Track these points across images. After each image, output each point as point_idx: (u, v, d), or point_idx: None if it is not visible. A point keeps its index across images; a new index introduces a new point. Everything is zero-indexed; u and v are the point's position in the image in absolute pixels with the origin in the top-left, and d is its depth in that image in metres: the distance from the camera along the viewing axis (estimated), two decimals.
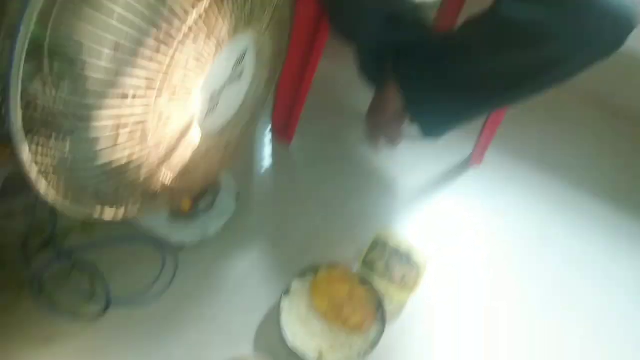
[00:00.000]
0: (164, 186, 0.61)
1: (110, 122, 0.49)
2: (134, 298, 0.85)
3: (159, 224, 0.90)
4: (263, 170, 1.10)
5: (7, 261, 0.85)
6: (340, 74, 1.28)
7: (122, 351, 0.79)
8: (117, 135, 0.50)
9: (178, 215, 0.91)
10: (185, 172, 0.63)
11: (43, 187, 0.52)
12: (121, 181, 0.55)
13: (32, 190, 0.55)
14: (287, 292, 0.86)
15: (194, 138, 0.61)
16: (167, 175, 0.60)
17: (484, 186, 1.14)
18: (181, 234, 0.90)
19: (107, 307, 0.83)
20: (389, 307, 0.90)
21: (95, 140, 0.49)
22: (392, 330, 0.88)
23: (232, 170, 1.01)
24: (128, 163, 0.53)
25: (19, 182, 0.76)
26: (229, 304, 0.87)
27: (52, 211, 0.92)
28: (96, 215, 0.59)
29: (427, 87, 0.93)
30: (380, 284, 0.89)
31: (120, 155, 0.51)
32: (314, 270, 0.88)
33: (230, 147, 0.74)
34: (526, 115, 1.31)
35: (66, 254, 0.87)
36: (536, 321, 0.93)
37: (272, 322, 0.84)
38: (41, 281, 0.84)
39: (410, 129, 1.13)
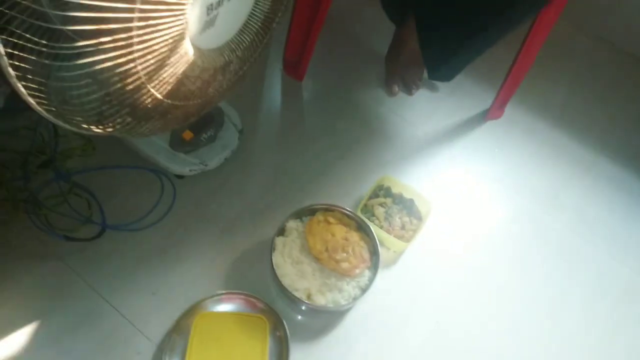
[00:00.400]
0: (155, 103, 0.58)
1: (88, 23, 0.45)
2: (129, 224, 0.84)
3: (160, 153, 0.88)
4: (270, 107, 1.06)
5: (6, 179, 0.85)
6: (358, 11, 1.22)
7: (114, 273, 0.80)
8: (98, 37, 0.46)
9: (179, 145, 0.89)
10: (178, 91, 0.60)
11: (23, 91, 0.50)
12: (105, 89, 0.52)
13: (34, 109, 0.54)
14: (281, 231, 0.84)
15: (187, 53, 0.57)
16: (157, 92, 0.57)
17: (499, 140, 1.08)
18: (181, 164, 0.88)
19: (102, 232, 0.83)
20: (385, 254, 0.88)
21: (74, 40, 0.46)
22: (386, 278, 0.86)
23: (238, 105, 0.97)
24: (112, 68, 0.50)
25: (23, 101, 0.74)
26: (222, 239, 0.86)
27: (55, 133, 0.91)
28: (84, 128, 0.57)
29: (441, 17, 0.89)
30: (378, 231, 0.86)
31: (103, 57, 0.48)
32: (311, 211, 0.86)
33: (232, 73, 0.70)
34: (555, 72, 1.24)
35: (65, 176, 0.87)
36: (537, 282, 0.90)
37: (264, 260, 0.83)
38: (38, 201, 0.84)
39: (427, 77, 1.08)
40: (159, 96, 0.58)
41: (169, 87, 0.59)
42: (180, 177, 0.90)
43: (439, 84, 1.15)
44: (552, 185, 1.03)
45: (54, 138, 0.90)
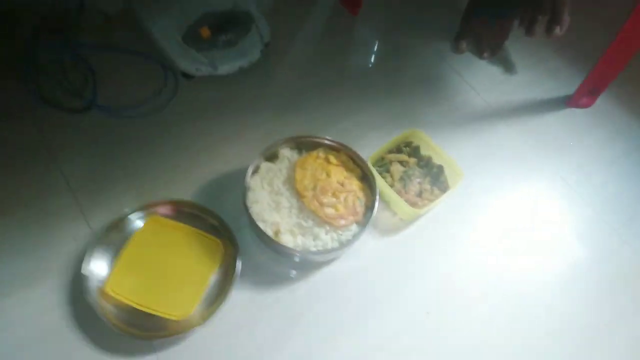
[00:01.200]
0: None
1: None
2: (118, 109, 0.77)
3: (171, 43, 0.80)
4: (313, 33, 0.93)
5: (17, 36, 0.81)
6: None
7: (83, 153, 0.73)
8: None
9: (193, 40, 0.80)
10: None
11: None
12: None
13: None
14: (271, 156, 0.71)
15: None
16: None
17: (578, 133, 0.86)
18: (189, 61, 0.79)
19: (88, 108, 0.76)
20: (389, 219, 0.73)
21: None
22: (381, 245, 0.70)
23: (276, 18, 0.86)
24: None
25: None
26: (211, 151, 0.75)
27: (80, 4, 0.86)
28: None
29: None
30: (387, 189, 0.71)
31: None
32: (313, 145, 0.73)
33: None
34: None
35: (72, 47, 0.81)
36: (576, 310, 0.69)
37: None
38: (36, 63, 0.79)
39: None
40: None
41: None
42: (188, 77, 0.81)
43: (517, 62, 0.95)
44: (632, 201, 0.80)
45: (78, 8, 0.85)
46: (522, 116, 0.88)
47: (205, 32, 0.80)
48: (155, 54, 0.82)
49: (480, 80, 0.91)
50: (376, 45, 0.94)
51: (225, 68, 0.80)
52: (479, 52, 0.94)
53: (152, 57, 0.82)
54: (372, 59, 0.92)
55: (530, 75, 0.93)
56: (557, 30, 0.86)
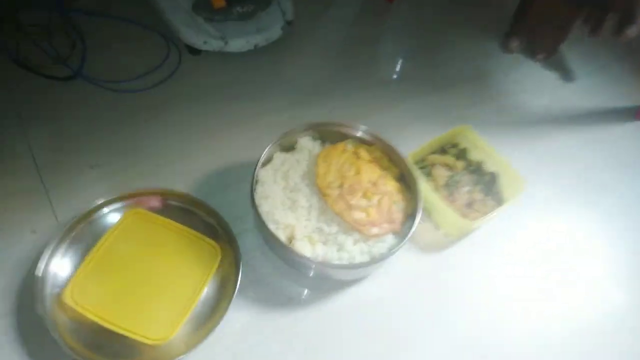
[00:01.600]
0: None
1: None
2: (108, 81, 0.64)
3: (178, 11, 0.68)
4: (342, 17, 0.81)
5: None
6: None
7: (60, 128, 0.60)
8: None
9: (203, 9, 0.68)
10: None
11: None
12: None
13: None
14: (288, 146, 0.58)
15: None
16: None
17: None
18: (197, 32, 0.66)
19: (72, 77, 0.64)
20: (429, 233, 0.59)
21: None
22: (419, 265, 0.56)
23: None
24: None
25: None
26: (212, 136, 0.62)
27: None
28: None
29: None
30: (433, 196, 0.57)
31: None
32: (339, 136, 0.59)
33: None
34: None
35: (63, 10, 0.69)
36: None
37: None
38: (20, 23, 0.67)
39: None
40: None
41: None
42: (193, 51, 0.69)
43: (575, 68, 0.82)
44: None
45: None
46: (583, 125, 0.74)
47: (219, 1, 0.68)
48: (158, 23, 0.70)
49: (532, 83, 0.78)
50: (411, 35, 0.82)
51: (238, 44, 0.67)
52: (533, 53, 0.81)
53: (154, 26, 0.70)
54: (407, 50, 0.80)
55: (590, 82, 0.80)
56: (631, 31, 0.73)
